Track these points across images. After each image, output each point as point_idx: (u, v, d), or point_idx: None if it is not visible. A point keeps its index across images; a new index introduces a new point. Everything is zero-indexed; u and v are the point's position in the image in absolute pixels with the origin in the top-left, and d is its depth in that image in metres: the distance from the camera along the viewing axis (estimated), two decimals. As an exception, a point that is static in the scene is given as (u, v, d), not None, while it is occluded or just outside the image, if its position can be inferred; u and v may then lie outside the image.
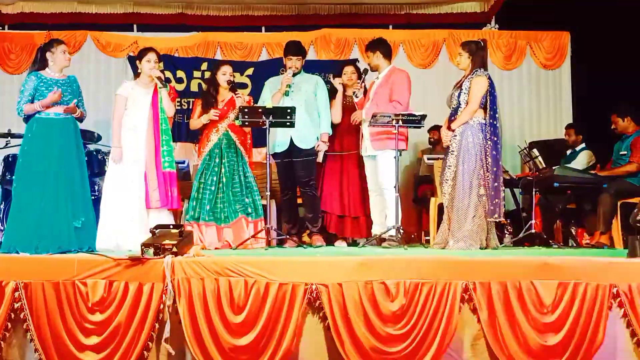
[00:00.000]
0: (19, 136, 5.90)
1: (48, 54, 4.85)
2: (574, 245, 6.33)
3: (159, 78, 5.25)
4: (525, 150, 6.62)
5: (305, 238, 5.96)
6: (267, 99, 5.72)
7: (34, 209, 4.59)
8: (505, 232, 6.09)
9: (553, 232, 6.44)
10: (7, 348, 3.87)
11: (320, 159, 5.97)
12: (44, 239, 4.51)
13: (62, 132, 4.76)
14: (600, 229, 5.77)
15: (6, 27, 7.96)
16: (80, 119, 4.98)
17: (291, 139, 5.63)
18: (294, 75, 5.69)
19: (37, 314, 3.83)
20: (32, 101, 4.75)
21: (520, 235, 5.79)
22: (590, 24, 7.28)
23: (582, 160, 6.63)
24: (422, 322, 3.81)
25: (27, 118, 4.79)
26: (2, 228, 5.81)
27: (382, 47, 5.78)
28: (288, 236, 5.69)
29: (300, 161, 5.67)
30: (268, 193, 5.25)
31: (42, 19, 7.90)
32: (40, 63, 4.85)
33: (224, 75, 5.60)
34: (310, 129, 5.71)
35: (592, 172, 6.25)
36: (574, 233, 6.56)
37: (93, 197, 5.08)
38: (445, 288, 3.83)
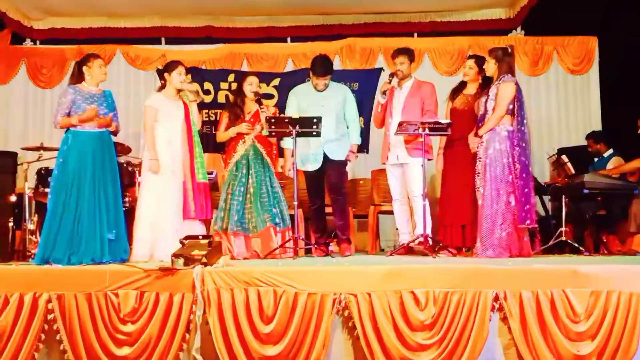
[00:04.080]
0: (52, 149, 6.02)
1: (84, 68, 4.97)
2: (606, 252, 6.23)
3: (197, 92, 5.34)
4: (554, 157, 6.56)
5: (333, 247, 5.96)
6: (292, 108, 5.74)
7: (68, 222, 4.70)
8: (535, 240, 6.02)
9: (583, 239, 6.35)
10: (41, 359, 3.92)
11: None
12: (78, 251, 4.63)
13: (96, 146, 4.87)
14: (632, 229, 5.70)
15: (38, 42, 8.12)
16: (115, 133, 5.08)
17: (324, 154, 5.63)
18: (322, 90, 5.69)
19: (70, 325, 3.88)
20: (69, 114, 4.86)
21: (551, 243, 5.74)
22: (617, 28, 7.19)
23: (613, 167, 6.54)
24: (453, 331, 3.78)
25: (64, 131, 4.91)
26: (35, 240, 5.91)
27: (414, 57, 5.79)
28: (316, 245, 5.70)
29: (332, 169, 5.68)
30: (296, 202, 5.27)
31: (73, 34, 8.03)
32: (77, 77, 4.98)
33: (250, 86, 5.65)
34: (341, 141, 5.71)
35: (601, 172, 6.16)
36: (605, 240, 6.46)
37: (123, 209, 5.15)
38: (475, 297, 3.80)
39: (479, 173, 5.17)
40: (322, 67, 5.67)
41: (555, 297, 3.79)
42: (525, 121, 5.13)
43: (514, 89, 5.12)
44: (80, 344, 3.87)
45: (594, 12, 7.32)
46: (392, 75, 5.61)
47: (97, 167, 4.85)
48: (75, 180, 4.77)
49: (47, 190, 5.47)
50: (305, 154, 5.66)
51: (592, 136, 6.96)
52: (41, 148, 6.17)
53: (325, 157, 5.63)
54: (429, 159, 5.52)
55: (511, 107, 5.11)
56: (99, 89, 5.04)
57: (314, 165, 5.67)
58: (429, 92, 5.67)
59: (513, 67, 5.29)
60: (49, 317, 3.91)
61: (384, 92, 5.64)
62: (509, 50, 5.26)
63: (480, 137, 5.18)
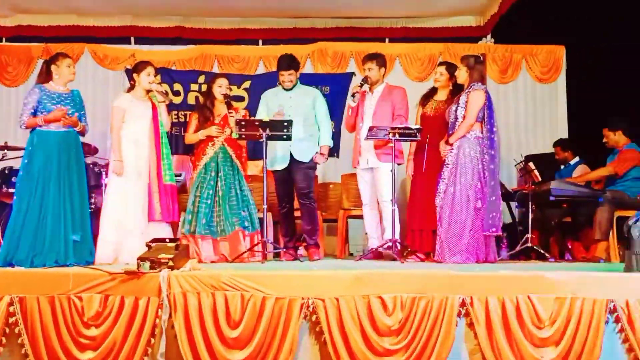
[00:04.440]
0: (16, 148, 5.92)
1: (53, 67, 4.90)
2: (570, 259, 6.32)
3: (165, 93, 5.30)
4: (521, 164, 6.64)
5: (302, 251, 5.95)
6: (263, 111, 5.73)
7: (32, 223, 4.62)
8: (502, 245, 6.09)
9: (549, 246, 6.44)
10: (2, 363, 3.85)
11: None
12: (41, 252, 4.57)
13: (62, 146, 4.80)
14: (597, 236, 5.78)
15: (3, 39, 7.97)
16: (82, 133, 5.01)
17: (291, 154, 5.63)
18: (290, 89, 5.69)
19: (32, 328, 3.81)
20: (34, 114, 4.78)
21: (517, 249, 5.80)
22: (585, 38, 7.32)
23: (579, 174, 6.64)
24: (420, 336, 3.79)
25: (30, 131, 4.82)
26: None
27: (385, 63, 5.81)
28: (285, 249, 5.68)
29: (299, 173, 5.66)
30: (265, 206, 5.25)
31: (40, 31, 7.90)
32: (45, 76, 4.89)
33: (220, 88, 5.61)
34: (310, 142, 5.70)
35: (567, 179, 6.27)
36: (570, 247, 6.56)
37: (89, 211, 5.07)
38: (442, 302, 3.82)
39: (444, 179, 5.19)
40: (285, 61, 5.68)
41: (520, 303, 3.82)
42: (494, 129, 5.18)
43: (484, 97, 5.16)
44: (42, 348, 3.79)
45: (562, 22, 7.44)
46: (364, 79, 5.62)
47: (63, 167, 4.77)
48: (40, 180, 4.69)
49: (11, 190, 5.39)
50: (273, 153, 5.64)
51: (559, 144, 7.06)
52: (5, 147, 6.08)
53: (292, 157, 5.62)
54: (399, 164, 5.55)
55: (481, 115, 5.16)
56: (67, 88, 4.97)
57: (281, 165, 5.65)
58: (400, 97, 5.69)
59: (484, 75, 5.33)
60: (11, 320, 3.83)
61: (353, 95, 5.64)
62: (481, 58, 5.31)
63: (451, 145, 5.21)
